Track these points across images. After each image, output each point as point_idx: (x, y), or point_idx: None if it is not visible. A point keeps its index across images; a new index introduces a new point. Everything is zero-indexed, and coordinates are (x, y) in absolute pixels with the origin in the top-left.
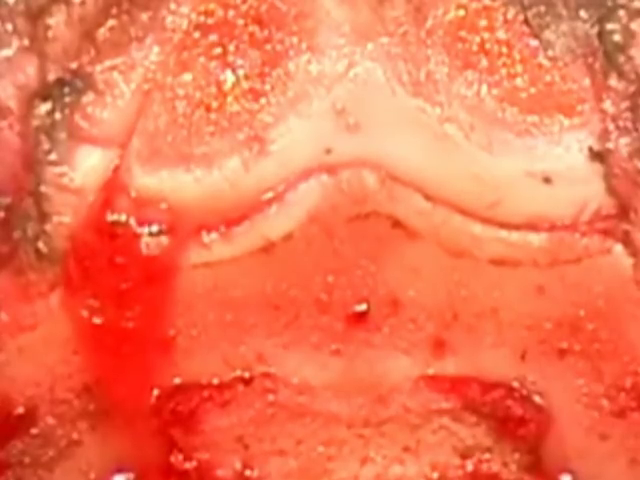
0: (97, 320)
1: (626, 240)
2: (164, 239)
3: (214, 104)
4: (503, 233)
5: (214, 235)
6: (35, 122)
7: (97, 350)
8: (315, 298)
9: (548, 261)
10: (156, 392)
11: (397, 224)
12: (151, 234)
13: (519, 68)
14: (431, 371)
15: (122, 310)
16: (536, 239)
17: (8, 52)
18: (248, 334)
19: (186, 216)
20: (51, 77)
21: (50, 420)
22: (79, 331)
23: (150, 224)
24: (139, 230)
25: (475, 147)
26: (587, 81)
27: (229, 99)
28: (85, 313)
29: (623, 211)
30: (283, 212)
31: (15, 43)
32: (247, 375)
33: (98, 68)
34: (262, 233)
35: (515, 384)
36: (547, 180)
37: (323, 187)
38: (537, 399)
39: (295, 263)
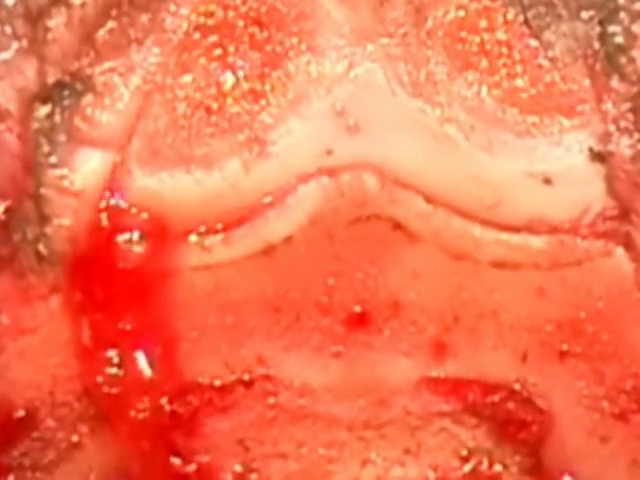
0: (97, 323)
1: (627, 242)
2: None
3: (214, 105)
4: (504, 236)
5: (214, 238)
6: (35, 125)
7: (97, 354)
8: (315, 301)
9: (549, 264)
10: (156, 396)
11: (397, 227)
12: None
13: (519, 69)
14: (432, 374)
15: (122, 313)
16: (537, 242)
17: (7, 55)
18: (249, 337)
19: (184, 218)
20: (50, 79)
21: (50, 423)
22: (79, 335)
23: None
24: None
25: (475, 148)
26: (587, 82)
27: (229, 100)
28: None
29: (624, 213)
30: (283, 215)
31: (14, 45)
32: (248, 378)
33: (97, 70)
34: (262, 236)
35: (516, 386)
36: (547, 181)
37: (324, 190)
38: (538, 401)
39: (295, 266)
